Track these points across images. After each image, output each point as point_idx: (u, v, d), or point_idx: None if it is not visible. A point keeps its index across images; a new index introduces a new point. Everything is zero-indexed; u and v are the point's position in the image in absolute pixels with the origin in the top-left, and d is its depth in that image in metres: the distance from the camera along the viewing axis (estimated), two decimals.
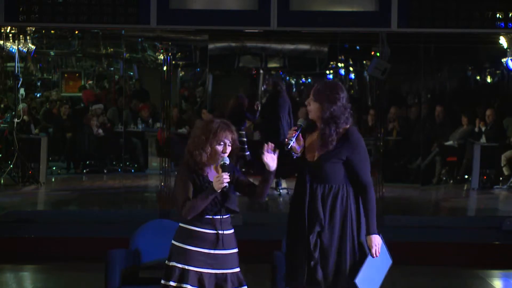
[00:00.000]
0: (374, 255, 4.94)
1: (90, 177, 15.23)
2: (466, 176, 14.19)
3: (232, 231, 4.86)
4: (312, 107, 4.97)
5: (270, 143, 4.76)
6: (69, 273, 8.54)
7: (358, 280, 4.89)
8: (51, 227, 9.99)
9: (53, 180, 14.87)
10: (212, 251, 4.74)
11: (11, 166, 13.67)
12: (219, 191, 4.67)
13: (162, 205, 10.31)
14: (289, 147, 4.90)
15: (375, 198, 5.03)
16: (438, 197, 13.97)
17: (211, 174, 4.79)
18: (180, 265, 4.73)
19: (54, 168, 15.37)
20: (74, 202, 13.11)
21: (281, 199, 12.37)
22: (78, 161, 15.63)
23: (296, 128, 4.96)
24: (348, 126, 4.97)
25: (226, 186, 4.66)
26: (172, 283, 4.70)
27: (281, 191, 12.66)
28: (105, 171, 15.35)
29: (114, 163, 15.50)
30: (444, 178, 14.48)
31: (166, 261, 4.80)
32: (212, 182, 4.70)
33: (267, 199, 12.79)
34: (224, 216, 4.79)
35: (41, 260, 8.94)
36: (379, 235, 4.99)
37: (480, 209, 12.94)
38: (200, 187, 4.73)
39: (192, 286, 4.69)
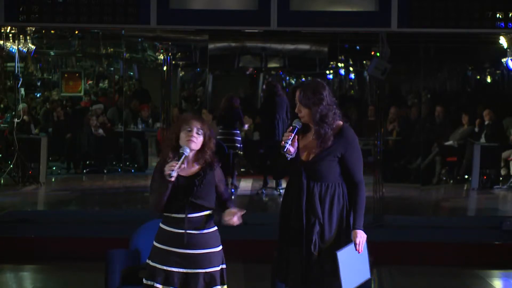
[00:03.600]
0: (358, 248, 4.95)
1: (90, 177, 15.23)
2: (466, 176, 14.19)
3: (206, 231, 4.81)
4: (303, 113, 4.98)
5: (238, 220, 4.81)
6: (69, 273, 8.53)
7: (340, 253, 4.88)
8: (51, 227, 9.99)
9: (53, 180, 14.87)
10: (180, 250, 4.76)
11: (11, 166, 13.68)
12: (170, 179, 4.66)
13: None
14: (285, 149, 4.91)
15: (365, 196, 5.05)
16: (438, 197, 13.97)
17: (187, 168, 4.80)
18: (152, 263, 4.80)
19: (54, 168, 15.38)
20: (74, 202, 13.11)
21: (281, 199, 12.33)
22: (78, 161, 15.64)
23: (291, 129, 4.96)
24: (340, 122, 5.00)
25: (171, 174, 4.64)
26: (145, 281, 4.81)
27: (281, 191, 12.66)
28: (105, 171, 15.36)
29: (114, 163, 15.51)
30: (444, 178, 14.48)
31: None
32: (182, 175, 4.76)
33: (267, 199, 12.80)
34: (192, 215, 4.76)
35: (41, 260, 8.93)
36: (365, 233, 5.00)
37: (480, 209, 12.94)
38: (177, 181, 4.73)
39: (161, 284, 4.74)
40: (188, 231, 4.74)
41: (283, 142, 4.93)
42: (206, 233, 4.80)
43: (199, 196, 4.75)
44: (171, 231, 4.77)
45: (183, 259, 4.75)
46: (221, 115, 12.79)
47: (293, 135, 4.94)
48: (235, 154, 12.69)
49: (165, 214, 4.81)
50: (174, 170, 4.64)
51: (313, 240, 4.93)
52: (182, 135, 4.76)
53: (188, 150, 4.72)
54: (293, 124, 4.99)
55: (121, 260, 5.97)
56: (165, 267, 4.75)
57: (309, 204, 4.95)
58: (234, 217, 4.77)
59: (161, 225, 4.84)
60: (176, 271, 4.75)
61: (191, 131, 4.75)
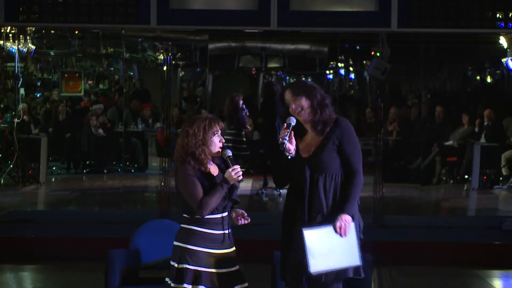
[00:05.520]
0: (338, 230, 4.91)
1: (90, 177, 15.24)
2: (466, 176, 14.19)
3: (230, 229, 4.87)
4: (301, 102, 5.00)
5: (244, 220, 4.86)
6: (69, 273, 8.53)
7: (306, 232, 4.87)
8: (51, 227, 10.00)
9: (53, 180, 14.88)
10: (220, 251, 4.76)
11: (11, 166, 13.69)
12: (232, 183, 4.73)
13: (162, 205, 10.30)
14: (284, 146, 4.94)
15: (361, 185, 5.04)
16: (438, 197, 13.97)
17: (212, 168, 4.83)
18: (192, 267, 4.71)
19: (54, 168, 15.38)
20: (74, 202, 13.12)
21: (281, 199, 12.37)
22: (78, 161, 15.65)
23: (286, 126, 5.00)
24: (335, 116, 5.05)
25: (242, 178, 4.72)
26: (186, 286, 4.69)
27: (281, 191, 12.66)
28: (105, 171, 15.36)
29: (114, 163, 15.51)
30: (444, 178, 14.49)
31: (175, 264, 4.76)
32: (215, 176, 4.78)
33: (267, 199, 12.80)
34: (227, 214, 4.80)
35: (41, 260, 8.93)
36: (354, 223, 4.97)
37: (480, 209, 12.94)
38: (208, 184, 4.73)
39: (206, 287, 4.70)
40: (229, 231, 4.79)
41: (280, 139, 4.97)
42: (231, 233, 4.85)
43: (235, 192, 4.84)
44: (210, 233, 4.74)
45: (220, 259, 4.75)
46: (227, 114, 12.75)
47: (289, 131, 4.97)
48: (239, 155, 12.66)
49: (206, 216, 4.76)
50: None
51: None
52: (215, 139, 4.77)
53: (230, 152, 4.82)
54: (287, 121, 5.03)
55: (121, 260, 5.97)
56: (207, 269, 4.70)
57: (313, 197, 4.96)
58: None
59: (194, 228, 4.75)
60: (216, 272, 4.73)
61: (219, 134, 4.79)
